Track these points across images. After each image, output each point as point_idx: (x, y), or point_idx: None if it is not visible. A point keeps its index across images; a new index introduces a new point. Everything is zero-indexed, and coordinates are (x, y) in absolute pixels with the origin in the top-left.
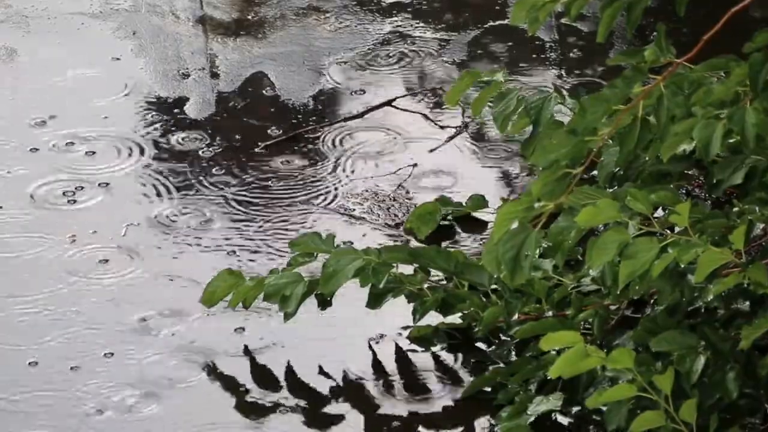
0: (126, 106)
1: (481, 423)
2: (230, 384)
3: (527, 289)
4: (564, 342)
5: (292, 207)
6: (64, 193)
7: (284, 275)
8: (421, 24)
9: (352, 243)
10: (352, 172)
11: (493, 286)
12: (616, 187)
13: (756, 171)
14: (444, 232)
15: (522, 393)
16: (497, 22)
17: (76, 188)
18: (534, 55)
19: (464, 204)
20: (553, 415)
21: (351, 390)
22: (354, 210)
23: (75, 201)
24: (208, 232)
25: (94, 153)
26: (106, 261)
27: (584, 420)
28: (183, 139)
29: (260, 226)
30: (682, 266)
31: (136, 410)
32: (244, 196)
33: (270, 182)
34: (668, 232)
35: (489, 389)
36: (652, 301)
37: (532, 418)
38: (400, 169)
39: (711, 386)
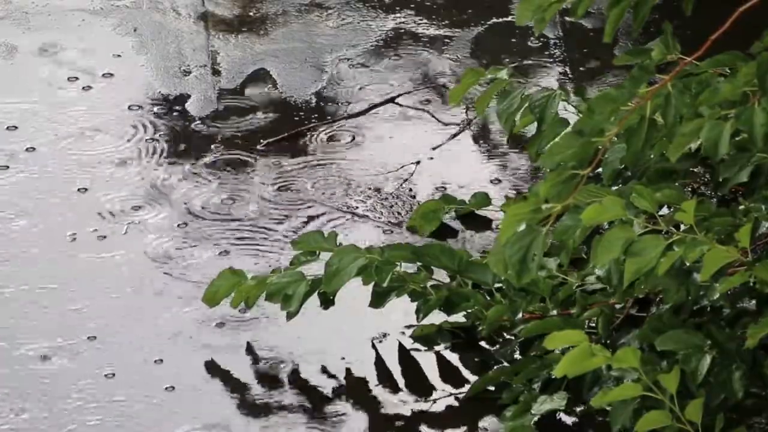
0: (127, 103)
1: (485, 422)
2: (231, 383)
3: (532, 288)
4: (569, 341)
5: (294, 205)
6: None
7: (286, 274)
8: (424, 21)
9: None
10: (355, 169)
11: (497, 285)
12: (620, 185)
13: (762, 169)
14: (447, 230)
15: (526, 392)
16: (501, 19)
17: (78, 189)
18: (538, 53)
19: (468, 202)
20: (557, 414)
21: (353, 389)
22: (357, 208)
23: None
24: (208, 230)
25: (95, 152)
26: (101, 254)
27: (589, 419)
28: (184, 136)
29: (262, 225)
30: (688, 264)
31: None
32: (246, 194)
33: (272, 180)
34: (674, 230)
35: (493, 388)
36: (657, 299)
37: (537, 418)
38: (403, 166)
39: (717, 386)
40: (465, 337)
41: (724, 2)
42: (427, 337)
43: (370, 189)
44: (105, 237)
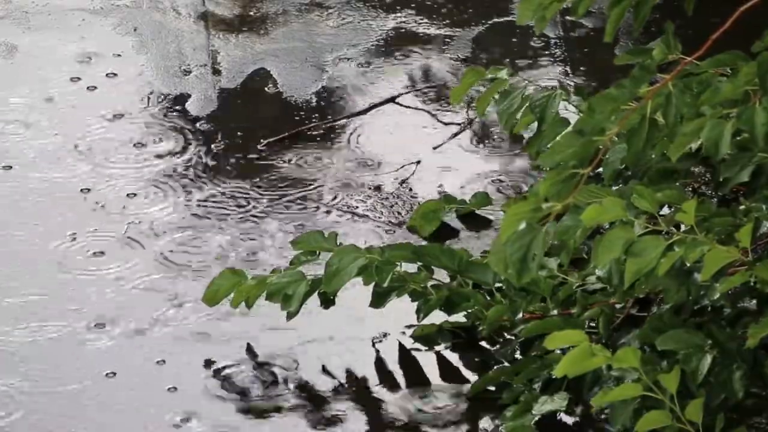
0: (127, 103)
1: (486, 423)
2: (232, 383)
3: (532, 288)
4: (569, 341)
5: (294, 204)
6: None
7: (286, 274)
8: (425, 20)
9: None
10: (355, 169)
11: (498, 285)
12: (621, 185)
13: (763, 169)
14: (448, 230)
15: (527, 392)
16: (502, 19)
17: (81, 190)
18: (539, 52)
19: (468, 201)
20: (557, 414)
21: (354, 389)
22: (357, 207)
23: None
24: (209, 230)
25: (95, 151)
26: (103, 253)
27: (589, 419)
28: (184, 136)
29: (262, 224)
30: (689, 264)
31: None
32: (246, 193)
33: (272, 180)
34: (674, 230)
35: (493, 389)
36: (658, 299)
37: (537, 418)
38: (403, 166)
39: (717, 386)
40: (465, 337)
41: (725, 2)
42: (427, 337)
43: (370, 189)
44: (105, 237)
